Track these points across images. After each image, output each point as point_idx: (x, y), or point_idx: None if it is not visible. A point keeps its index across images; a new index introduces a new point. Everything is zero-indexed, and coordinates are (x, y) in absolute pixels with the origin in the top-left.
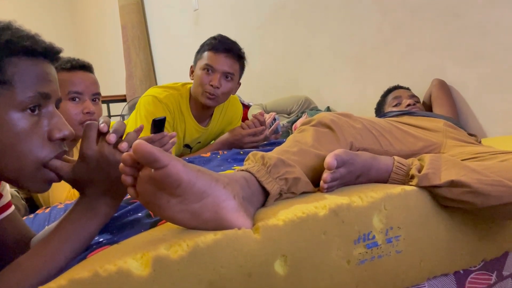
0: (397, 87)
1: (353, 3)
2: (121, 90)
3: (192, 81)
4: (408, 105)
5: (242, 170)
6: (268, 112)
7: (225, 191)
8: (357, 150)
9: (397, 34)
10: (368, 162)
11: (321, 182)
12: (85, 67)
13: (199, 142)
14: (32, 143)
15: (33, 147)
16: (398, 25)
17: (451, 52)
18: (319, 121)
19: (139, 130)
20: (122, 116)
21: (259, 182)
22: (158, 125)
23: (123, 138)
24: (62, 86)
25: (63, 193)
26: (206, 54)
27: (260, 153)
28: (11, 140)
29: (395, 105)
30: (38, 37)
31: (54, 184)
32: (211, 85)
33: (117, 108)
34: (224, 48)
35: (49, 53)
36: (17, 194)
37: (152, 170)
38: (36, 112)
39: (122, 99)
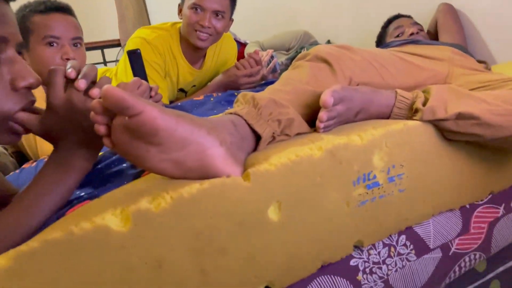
0: (398, 16)
1: None
2: (114, 35)
3: (180, 19)
4: (412, 34)
5: (231, 113)
6: (265, 50)
7: (210, 138)
8: (357, 85)
9: None
10: (368, 97)
11: (317, 121)
12: (63, 9)
13: (194, 86)
14: None
15: None
16: None
17: None
18: (315, 55)
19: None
20: (117, 61)
21: (249, 125)
22: (134, 58)
23: (95, 83)
24: (37, 31)
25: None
26: None
27: (250, 94)
28: None
29: (397, 36)
30: None
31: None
32: (201, 25)
33: (111, 53)
34: None
35: None
36: (4, 151)
37: (126, 117)
38: None
39: (116, 43)
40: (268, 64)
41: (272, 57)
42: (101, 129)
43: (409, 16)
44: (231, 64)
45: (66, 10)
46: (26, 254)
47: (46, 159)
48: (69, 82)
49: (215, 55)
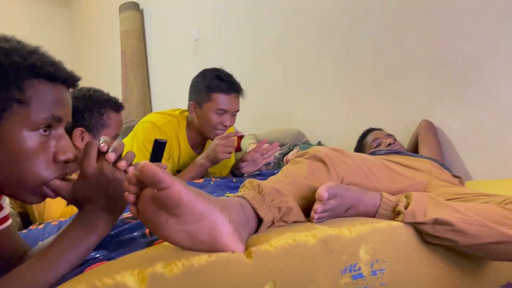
0: (371, 130)
1: (350, 44)
2: None
3: (192, 115)
4: (389, 144)
5: (238, 196)
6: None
7: (222, 215)
8: (347, 185)
9: (389, 77)
10: (357, 196)
11: (312, 212)
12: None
13: None
14: (37, 161)
15: (38, 166)
16: (391, 68)
17: (439, 96)
18: (313, 154)
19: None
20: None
21: (253, 208)
22: (159, 146)
23: (122, 157)
24: (111, 127)
25: (58, 210)
26: (217, 97)
27: (256, 181)
28: (18, 156)
29: (376, 146)
30: (61, 64)
31: (50, 201)
32: (225, 126)
33: None
34: (234, 90)
35: (69, 80)
36: (12, 211)
37: (155, 190)
38: (47, 132)
39: None
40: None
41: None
42: (131, 197)
43: (380, 129)
44: None
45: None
46: None
47: (52, 223)
48: (101, 154)
49: None
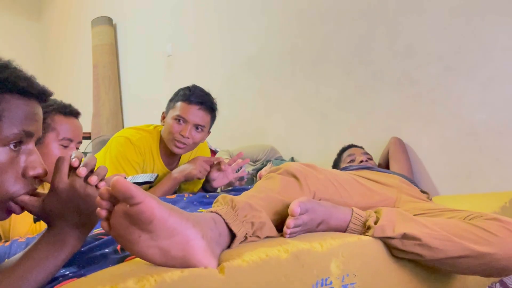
0: (351, 146)
1: (321, 61)
2: (86, 128)
3: (162, 125)
4: (361, 161)
5: (211, 212)
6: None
7: (194, 230)
8: (319, 200)
9: (359, 94)
10: (329, 211)
11: (285, 227)
12: (78, 115)
13: None
14: (6, 177)
15: (6, 181)
16: (360, 85)
17: (407, 114)
18: (286, 169)
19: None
20: (85, 153)
21: (226, 224)
22: (146, 179)
23: (93, 171)
24: (56, 130)
25: (24, 227)
26: (179, 104)
27: (229, 196)
28: None
29: (350, 162)
30: (33, 79)
31: (15, 218)
32: (182, 135)
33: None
34: (198, 101)
35: (42, 96)
36: None
37: (128, 205)
38: (17, 148)
39: (86, 136)
40: (237, 171)
41: (240, 167)
42: (103, 213)
43: (361, 147)
44: None
45: (79, 116)
46: None
47: (19, 240)
48: (72, 169)
49: (189, 159)
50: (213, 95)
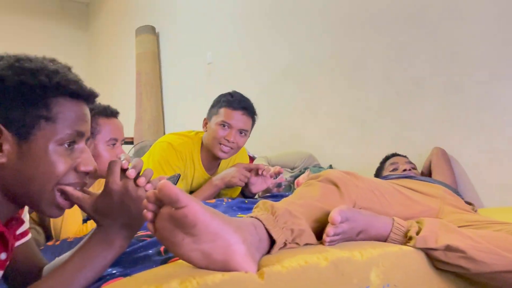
0: (394, 155)
1: (360, 68)
2: (129, 133)
3: (205, 131)
4: (404, 170)
5: (252, 217)
6: (272, 165)
7: (236, 235)
8: (360, 208)
9: (401, 102)
10: (369, 220)
11: (324, 235)
12: (117, 114)
13: None
14: (59, 166)
15: (58, 169)
16: (402, 94)
17: (452, 123)
18: (326, 177)
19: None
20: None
21: (266, 229)
22: (171, 179)
23: (140, 174)
24: (102, 132)
25: (74, 227)
26: (222, 110)
27: (269, 202)
28: (44, 168)
29: (392, 170)
30: (81, 82)
31: (67, 218)
32: (227, 140)
33: (125, 150)
34: (241, 106)
35: (90, 97)
36: (36, 227)
37: (173, 208)
38: (71, 147)
39: (129, 141)
40: (275, 178)
41: (279, 173)
42: (149, 215)
43: (405, 156)
44: None
45: (118, 115)
46: None
47: (69, 240)
48: (122, 171)
49: (228, 165)
50: (252, 101)
